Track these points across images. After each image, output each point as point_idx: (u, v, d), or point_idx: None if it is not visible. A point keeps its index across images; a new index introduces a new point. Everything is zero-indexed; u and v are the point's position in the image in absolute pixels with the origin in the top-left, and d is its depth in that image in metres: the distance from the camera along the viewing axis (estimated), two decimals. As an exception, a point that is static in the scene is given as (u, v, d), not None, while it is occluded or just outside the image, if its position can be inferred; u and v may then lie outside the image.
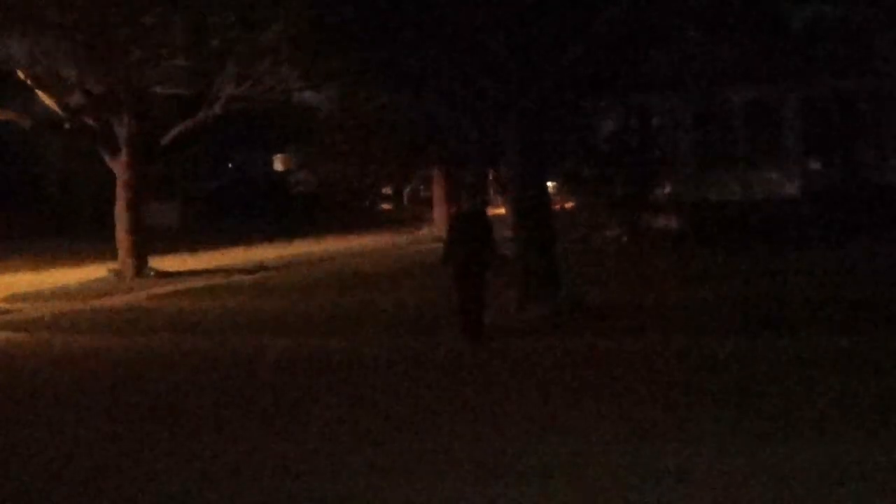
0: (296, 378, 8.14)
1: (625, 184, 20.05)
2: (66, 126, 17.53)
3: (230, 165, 43.17)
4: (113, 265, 17.15)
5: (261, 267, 18.85)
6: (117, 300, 14.09)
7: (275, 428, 6.42)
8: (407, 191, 39.95)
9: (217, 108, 17.61)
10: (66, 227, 30.77)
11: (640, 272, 14.58)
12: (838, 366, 7.70)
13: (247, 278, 17.02)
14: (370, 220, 32.80)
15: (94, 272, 17.62)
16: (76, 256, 21.44)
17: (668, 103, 22.17)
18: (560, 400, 6.88)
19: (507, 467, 5.26)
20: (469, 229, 9.31)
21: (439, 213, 25.87)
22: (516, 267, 11.25)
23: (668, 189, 21.76)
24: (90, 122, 17.25)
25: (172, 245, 22.65)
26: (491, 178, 25.51)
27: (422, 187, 37.32)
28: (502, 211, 22.57)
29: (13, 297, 14.65)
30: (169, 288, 15.37)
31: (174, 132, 17.89)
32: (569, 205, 26.93)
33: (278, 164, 39.77)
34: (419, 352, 9.09)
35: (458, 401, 6.97)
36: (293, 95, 21.03)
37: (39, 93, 17.23)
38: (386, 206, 39.95)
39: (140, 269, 16.88)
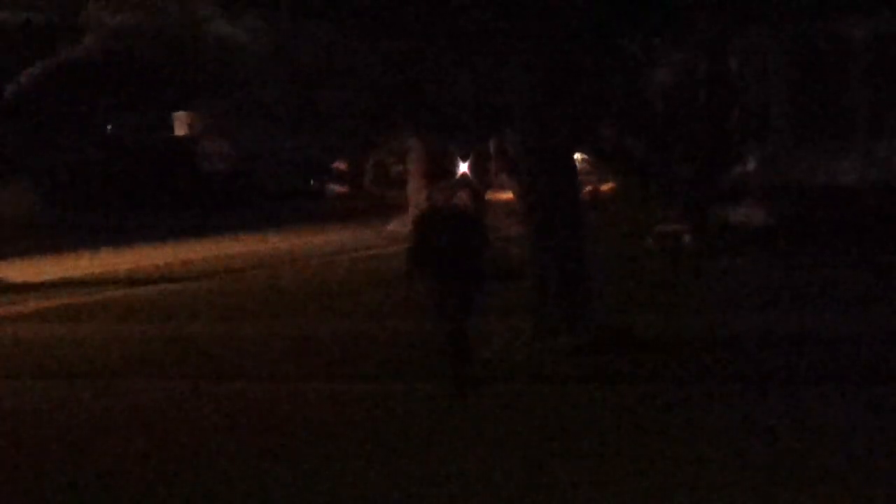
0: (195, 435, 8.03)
1: (689, 159, 20.05)
2: None
3: (108, 129, 42.93)
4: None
5: (151, 277, 18.92)
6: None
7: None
8: (370, 167, 39.86)
9: (87, 45, 17.50)
10: None
11: (710, 287, 14.60)
12: None
13: (127, 294, 17.05)
14: (316, 210, 32.80)
15: None
16: None
17: (754, 42, 22.12)
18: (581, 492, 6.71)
19: None
20: (445, 232, 9.33)
21: (417, 199, 25.82)
22: (529, 278, 11.25)
23: (751, 167, 21.73)
24: None
25: (19, 244, 22.54)
26: (493, 150, 25.45)
27: (392, 162, 37.22)
28: (508, 196, 22.48)
29: None
30: (11, 309, 15.32)
31: (21, 80, 17.80)
32: (606, 188, 27.00)
33: (180, 128, 39.62)
34: (372, 406, 9.01)
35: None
36: (202, 28, 20.93)
37: None
38: (339, 188, 39.94)
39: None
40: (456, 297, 9.27)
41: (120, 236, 26.11)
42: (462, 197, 10.08)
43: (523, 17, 11.27)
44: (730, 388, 9.25)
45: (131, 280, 18.64)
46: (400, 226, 26.21)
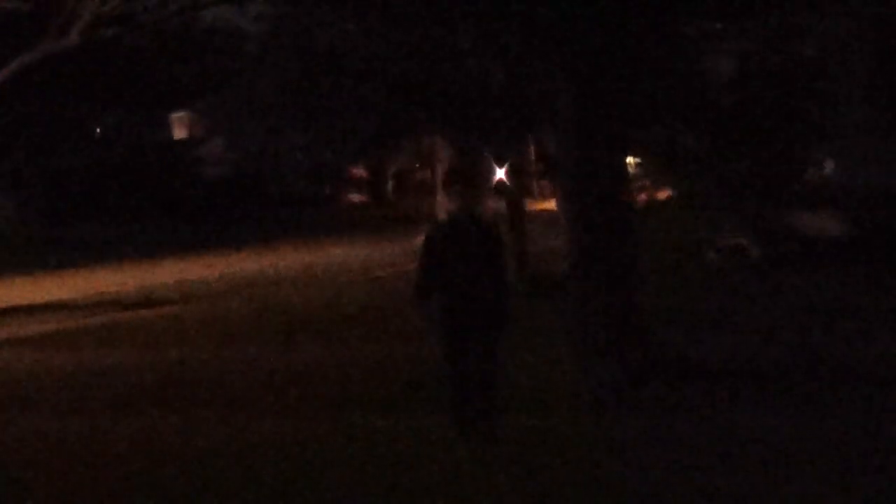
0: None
1: (756, 161, 19.95)
2: None
3: (97, 131, 43.30)
4: None
5: (146, 298, 19.08)
6: None
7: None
8: (392, 173, 39.98)
9: (74, 36, 17.60)
10: None
11: (780, 307, 14.55)
12: None
13: (120, 318, 17.17)
14: (332, 221, 32.89)
15: None
16: None
17: (832, 25, 21.99)
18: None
19: None
20: (460, 249, 8.33)
21: (444, 209, 25.73)
22: (572, 296, 11.21)
23: (828, 170, 21.63)
24: None
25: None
26: (531, 152, 25.40)
27: (416, 168, 37.32)
28: (551, 205, 22.42)
29: None
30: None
31: (0, 76, 17.92)
32: (661, 195, 26.89)
33: (178, 130, 39.85)
34: (386, 452, 8.89)
35: None
36: (202, 16, 21.03)
37: None
38: (357, 197, 40.06)
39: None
40: (470, 341, 8.27)
41: (110, 250, 26.21)
42: (487, 206, 9.74)
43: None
44: (803, 421, 9.12)
45: (118, 303, 18.64)
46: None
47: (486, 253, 8.37)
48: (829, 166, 21.69)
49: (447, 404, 8.56)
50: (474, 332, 8.28)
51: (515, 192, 21.15)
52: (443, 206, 26.15)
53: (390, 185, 40.74)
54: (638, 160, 26.06)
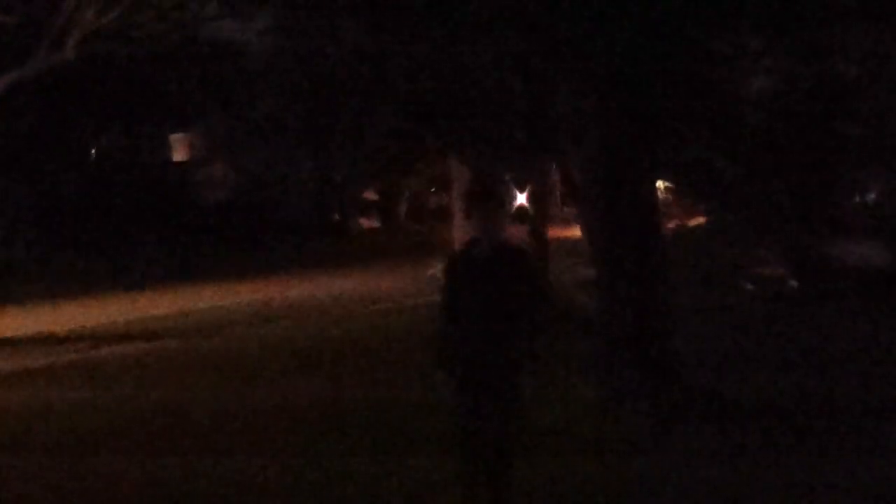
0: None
1: (794, 185, 19.93)
2: None
3: (93, 153, 43.45)
4: None
5: (136, 332, 19.06)
6: None
7: None
8: (405, 198, 40.01)
9: (68, 52, 17.67)
10: None
11: (820, 342, 14.55)
12: None
13: (104, 354, 17.22)
14: (342, 249, 32.84)
15: None
16: None
17: (874, 41, 21.93)
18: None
19: None
20: (483, 282, 7.34)
21: (463, 237, 25.76)
22: (599, 330, 11.24)
23: (872, 196, 21.57)
24: None
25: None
26: (554, 175, 25.38)
27: (432, 191, 37.34)
28: (576, 232, 22.36)
29: None
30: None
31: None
32: (693, 223, 26.84)
33: (178, 152, 39.99)
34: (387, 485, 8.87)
35: None
36: (203, 31, 21.10)
37: None
38: (369, 222, 40.10)
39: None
40: (489, 396, 7.29)
41: (104, 280, 26.27)
42: (513, 234, 9.33)
43: (590, 10, 11.22)
44: (841, 468, 9.04)
45: (105, 337, 18.66)
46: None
47: (514, 285, 7.32)
48: (873, 192, 21.60)
49: (456, 462, 7.67)
50: (494, 385, 7.27)
51: (537, 218, 21.12)
52: (460, 232, 26.19)
53: (404, 210, 40.77)
54: (667, 184, 26.05)
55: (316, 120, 24.43)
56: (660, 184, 18.99)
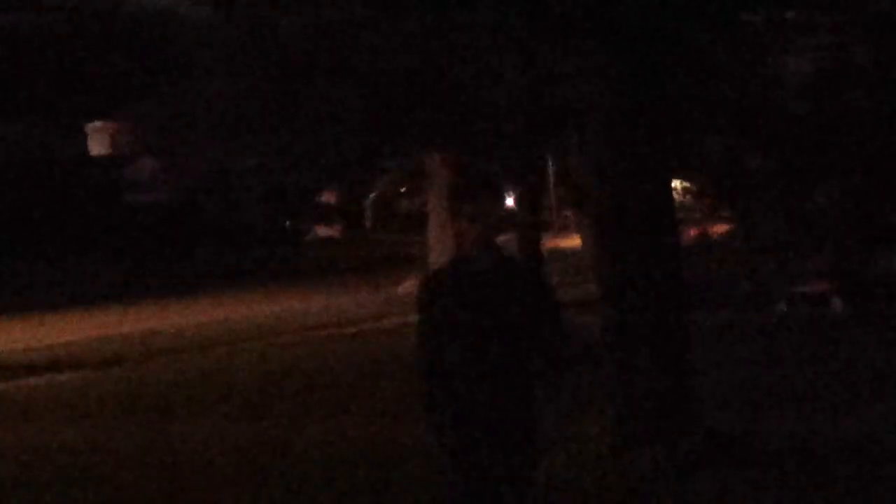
0: None
1: (840, 186, 20.04)
2: None
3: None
4: None
5: (54, 361, 19.32)
6: None
7: None
8: (371, 201, 40.15)
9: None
10: None
11: (870, 373, 14.58)
12: None
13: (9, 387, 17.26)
14: (295, 261, 33.07)
15: None
16: None
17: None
18: None
19: None
20: (478, 309, 6.71)
21: (441, 248, 25.86)
22: (606, 361, 11.20)
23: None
24: None
25: None
26: (552, 174, 25.46)
27: (402, 192, 37.48)
28: (575, 242, 22.38)
29: None
30: None
31: None
32: (717, 230, 26.95)
33: (97, 144, 40.06)
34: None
35: None
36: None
37: None
38: (327, 230, 40.27)
39: None
40: (501, 446, 6.77)
41: (7, 299, 26.40)
42: (509, 241, 9.26)
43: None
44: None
45: (22, 365, 18.92)
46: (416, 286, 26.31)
47: (524, 308, 6.78)
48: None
49: None
50: (504, 434, 6.77)
51: (529, 225, 21.07)
52: (438, 244, 26.26)
53: (369, 215, 40.90)
54: (686, 184, 26.10)
55: (267, 107, 24.47)
56: (677, 184, 19.01)
